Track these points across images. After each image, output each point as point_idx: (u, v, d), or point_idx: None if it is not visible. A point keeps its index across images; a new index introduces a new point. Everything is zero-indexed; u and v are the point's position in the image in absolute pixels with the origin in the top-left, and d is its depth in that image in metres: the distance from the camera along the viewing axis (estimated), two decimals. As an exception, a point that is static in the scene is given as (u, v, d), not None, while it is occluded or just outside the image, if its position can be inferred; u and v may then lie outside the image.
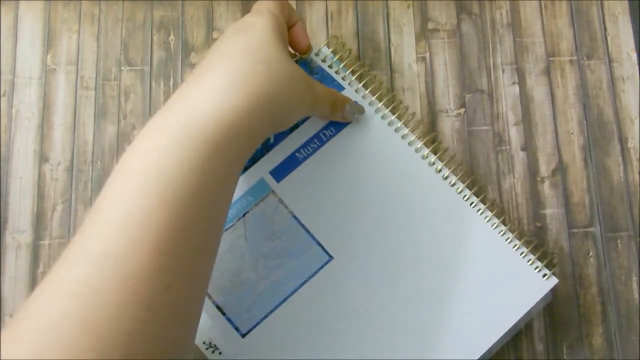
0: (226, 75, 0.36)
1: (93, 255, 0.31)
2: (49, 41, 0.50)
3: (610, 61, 0.50)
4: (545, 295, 0.42)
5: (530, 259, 0.43)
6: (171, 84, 0.49)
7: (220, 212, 0.36)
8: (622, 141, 0.49)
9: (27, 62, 0.50)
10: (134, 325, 0.30)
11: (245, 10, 0.51)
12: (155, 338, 0.31)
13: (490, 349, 0.42)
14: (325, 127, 0.45)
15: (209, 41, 0.50)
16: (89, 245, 0.32)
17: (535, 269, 0.42)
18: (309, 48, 0.46)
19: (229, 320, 0.42)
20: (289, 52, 0.46)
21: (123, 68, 0.50)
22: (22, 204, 0.47)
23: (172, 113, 0.35)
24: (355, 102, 0.45)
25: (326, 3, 0.51)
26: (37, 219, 0.47)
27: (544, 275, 0.42)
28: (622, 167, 0.48)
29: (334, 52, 0.47)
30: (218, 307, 0.42)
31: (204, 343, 0.42)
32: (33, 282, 0.45)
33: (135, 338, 0.30)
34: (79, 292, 0.30)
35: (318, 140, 0.45)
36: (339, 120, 0.45)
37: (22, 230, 0.47)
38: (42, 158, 0.48)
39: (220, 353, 0.41)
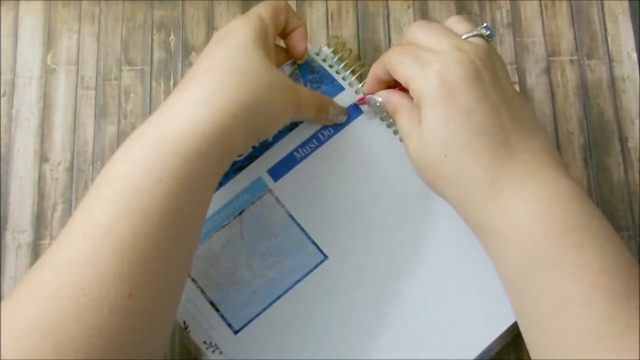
0: (202, 87, 0.37)
1: (58, 262, 0.32)
2: (49, 41, 0.50)
3: (610, 61, 0.50)
4: None
5: None
6: (171, 84, 0.49)
7: (191, 223, 0.36)
8: (623, 141, 0.49)
9: (27, 62, 0.50)
10: (92, 329, 0.31)
11: (246, 10, 0.50)
12: (117, 344, 0.32)
13: (489, 349, 0.42)
14: (324, 127, 0.45)
15: (209, 41, 0.50)
16: (57, 251, 0.33)
17: None
18: (304, 55, 0.46)
19: (222, 316, 0.42)
20: (286, 56, 0.46)
21: (123, 68, 0.50)
22: (22, 203, 0.47)
23: (151, 124, 0.36)
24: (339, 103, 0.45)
25: (326, 3, 0.51)
26: (38, 219, 0.47)
27: None
28: (622, 167, 0.48)
29: (334, 52, 0.47)
30: (212, 304, 0.42)
31: (204, 342, 0.42)
32: (33, 282, 0.46)
33: (94, 342, 0.31)
34: (41, 296, 0.31)
35: (316, 140, 0.45)
36: (323, 123, 0.45)
37: (23, 230, 0.47)
38: (43, 158, 0.48)
39: (220, 352, 0.41)
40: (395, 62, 0.40)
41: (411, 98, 0.40)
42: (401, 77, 0.39)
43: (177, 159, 0.35)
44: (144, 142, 0.35)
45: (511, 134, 0.37)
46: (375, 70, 0.43)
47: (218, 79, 0.37)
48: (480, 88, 0.36)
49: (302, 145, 0.45)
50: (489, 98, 0.37)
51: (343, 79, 0.46)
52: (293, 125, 0.45)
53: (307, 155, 0.45)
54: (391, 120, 0.45)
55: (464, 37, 0.39)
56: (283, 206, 0.44)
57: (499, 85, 0.37)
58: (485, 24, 0.39)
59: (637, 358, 0.31)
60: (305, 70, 0.46)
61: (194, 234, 0.37)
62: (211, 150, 0.36)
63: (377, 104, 0.43)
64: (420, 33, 0.39)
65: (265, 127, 0.40)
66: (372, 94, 0.43)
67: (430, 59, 0.37)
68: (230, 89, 0.37)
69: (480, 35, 0.39)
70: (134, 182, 0.34)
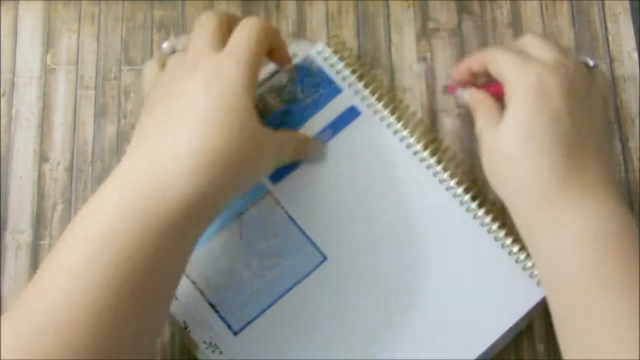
0: (186, 138, 0.35)
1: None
2: (49, 41, 0.50)
3: (611, 61, 0.50)
4: (537, 304, 0.42)
5: (525, 265, 0.43)
6: (171, 84, 0.49)
7: (158, 276, 0.35)
8: (623, 141, 0.49)
9: (27, 62, 0.50)
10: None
11: (246, 11, 0.50)
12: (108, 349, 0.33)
13: (491, 349, 0.42)
14: (324, 129, 0.45)
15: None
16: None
17: (530, 275, 0.42)
18: (290, 64, 0.45)
19: (221, 318, 0.42)
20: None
21: (123, 68, 0.50)
22: (22, 203, 0.47)
23: (125, 169, 0.36)
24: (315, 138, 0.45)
25: (326, 3, 0.51)
26: (37, 219, 0.47)
27: (538, 282, 0.42)
28: (622, 167, 0.48)
29: (335, 52, 0.47)
30: (211, 305, 0.42)
31: (204, 342, 0.42)
32: (33, 282, 0.45)
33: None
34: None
35: None
36: (300, 159, 0.44)
37: (22, 230, 0.47)
38: (42, 158, 0.48)
39: (220, 352, 0.41)
40: (500, 56, 0.41)
41: (495, 100, 0.42)
42: (501, 69, 0.40)
43: (147, 229, 0.34)
44: (113, 204, 0.35)
45: (585, 151, 0.38)
46: (471, 61, 0.43)
47: (202, 131, 0.35)
48: (571, 101, 0.38)
49: None
50: (576, 114, 0.38)
51: (343, 79, 0.46)
52: None
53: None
54: (391, 120, 0.45)
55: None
56: (282, 208, 0.44)
57: (590, 110, 0.39)
58: (593, 56, 0.41)
59: None
60: (302, 74, 0.46)
61: (163, 281, 0.36)
62: (187, 217, 0.35)
63: (464, 98, 0.44)
64: (533, 40, 0.41)
65: (244, 184, 0.39)
66: (459, 82, 0.44)
67: (534, 62, 0.39)
68: (214, 143, 0.35)
69: (585, 64, 0.41)
70: (97, 225, 0.34)
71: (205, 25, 0.39)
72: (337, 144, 0.45)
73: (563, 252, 0.36)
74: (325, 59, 0.46)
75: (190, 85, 0.37)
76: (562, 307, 0.37)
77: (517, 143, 0.38)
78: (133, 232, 0.33)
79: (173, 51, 0.42)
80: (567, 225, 0.37)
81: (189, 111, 0.36)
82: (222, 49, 0.38)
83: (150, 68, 0.41)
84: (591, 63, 0.41)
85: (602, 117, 0.40)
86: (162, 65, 0.41)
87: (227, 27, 0.39)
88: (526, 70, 0.39)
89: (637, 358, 0.33)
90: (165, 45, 0.42)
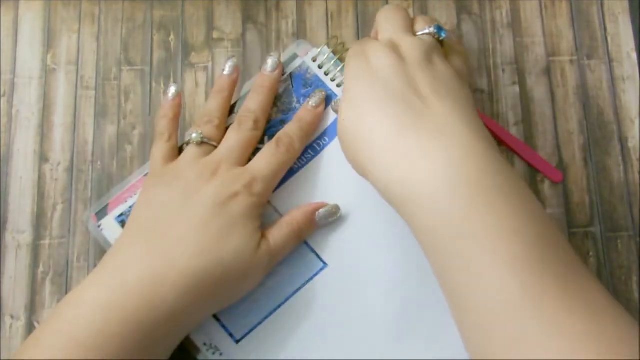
0: (184, 258, 0.38)
1: None
2: (49, 41, 0.50)
3: (610, 61, 0.50)
4: None
5: None
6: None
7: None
8: (622, 141, 0.49)
9: (27, 62, 0.50)
10: None
11: (245, 11, 0.50)
12: None
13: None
14: (320, 137, 0.45)
15: (209, 41, 0.50)
16: None
17: None
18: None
19: (223, 326, 0.42)
20: None
21: (123, 68, 0.50)
22: (22, 204, 0.47)
23: (102, 282, 0.38)
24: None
25: (326, 3, 0.51)
26: (37, 219, 0.47)
27: None
28: (622, 167, 0.48)
29: (334, 52, 0.47)
30: (213, 314, 0.42)
31: (204, 344, 0.42)
32: (33, 282, 0.45)
33: None
34: None
35: (312, 151, 0.45)
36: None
37: (22, 230, 0.47)
38: (42, 158, 0.48)
39: (221, 354, 0.41)
40: (348, 59, 0.41)
41: None
42: (344, 72, 0.41)
43: (134, 331, 0.36)
44: (94, 305, 0.37)
45: (426, 99, 0.36)
46: None
47: (198, 264, 0.38)
48: (402, 76, 0.37)
49: (298, 157, 0.45)
50: (409, 76, 0.37)
51: (338, 85, 0.46)
52: None
53: (303, 166, 0.45)
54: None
55: (418, 33, 0.40)
56: (281, 215, 0.43)
57: (427, 70, 0.38)
58: (436, 24, 0.41)
59: (554, 329, 0.30)
60: (298, 83, 0.46)
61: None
62: (173, 321, 0.37)
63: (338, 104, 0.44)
64: (384, 20, 0.41)
65: (235, 300, 0.41)
66: None
67: (369, 49, 0.39)
68: (206, 279, 0.38)
69: (431, 34, 0.40)
70: (80, 339, 0.35)
71: (239, 134, 0.42)
72: (334, 151, 0.45)
73: (420, 205, 0.34)
74: (321, 66, 0.46)
75: (203, 194, 0.39)
76: (435, 263, 0.35)
77: (355, 118, 0.38)
78: (121, 335, 0.35)
79: (201, 141, 0.42)
80: (416, 174, 0.34)
81: (195, 228, 0.38)
82: (244, 164, 0.42)
83: (159, 152, 0.43)
84: (434, 31, 0.40)
85: (451, 72, 0.39)
86: (171, 152, 0.43)
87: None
88: (362, 61, 0.39)
89: (512, 308, 0.30)
90: (194, 135, 0.42)
